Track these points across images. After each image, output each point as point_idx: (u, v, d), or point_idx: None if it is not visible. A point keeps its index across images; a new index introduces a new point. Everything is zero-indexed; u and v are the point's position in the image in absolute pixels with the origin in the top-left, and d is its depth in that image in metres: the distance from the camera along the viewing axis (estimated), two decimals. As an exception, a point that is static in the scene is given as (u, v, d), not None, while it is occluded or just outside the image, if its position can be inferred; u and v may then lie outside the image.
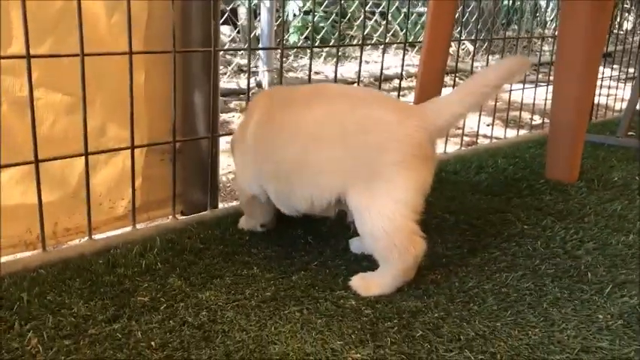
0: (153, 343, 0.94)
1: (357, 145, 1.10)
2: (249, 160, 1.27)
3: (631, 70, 3.65)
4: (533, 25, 4.90)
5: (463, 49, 5.13)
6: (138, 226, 1.41)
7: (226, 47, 3.84)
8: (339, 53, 1.72)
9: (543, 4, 5.62)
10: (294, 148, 1.16)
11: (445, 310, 1.08)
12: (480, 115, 2.36)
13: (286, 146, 1.17)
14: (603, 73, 2.99)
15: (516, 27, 4.29)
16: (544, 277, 1.20)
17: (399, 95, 2.20)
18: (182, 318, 1.01)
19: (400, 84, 2.17)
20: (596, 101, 2.83)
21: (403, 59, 2.03)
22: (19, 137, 1.33)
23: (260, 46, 3.73)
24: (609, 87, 3.09)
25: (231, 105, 3.24)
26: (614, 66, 3.65)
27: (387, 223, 1.09)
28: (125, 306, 1.04)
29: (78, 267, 1.17)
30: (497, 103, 2.55)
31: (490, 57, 4.85)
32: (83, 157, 1.29)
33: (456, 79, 2.71)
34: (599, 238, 1.38)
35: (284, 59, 4.06)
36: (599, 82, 2.91)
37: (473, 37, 2.83)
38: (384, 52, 2.01)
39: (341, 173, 1.11)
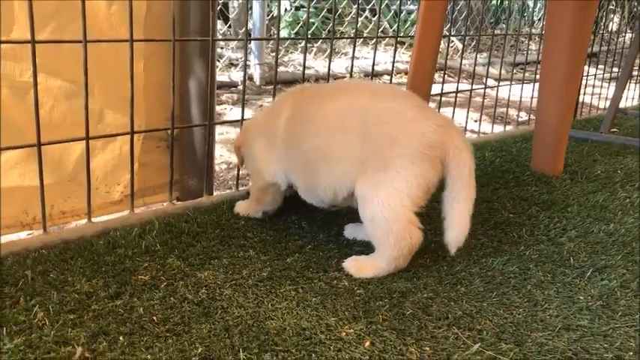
0: (155, 318, 0.98)
1: (373, 135, 1.15)
2: (278, 153, 1.31)
3: (615, 69, 3.72)
4: (521, 24, 4.96)
5: (452, 47, 5.19)
6: (135, 211, 1.44)
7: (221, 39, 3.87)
8: (330, 50, 1.76)
9: (531, 3, 5.69)
10: (319, 138, 1.21)
11: (434, 291, 1.13)
12: (467, 111, 2.41)
13: (313, 137, 1.22)
14: (588, 73, 3.06)
15: (504, 26, 4.35)
16: (528, 261, 1.25)
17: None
18: (182, 295, 1.05)
19: (391, 79, 2.21)
20: (580, 100, 2.89)
21: (394, 55, 2.08)
22: (18, 121, 1.36)
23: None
24: (594, 86, 3.16)
25: (223, 97, 3.27)
26: (600, 66, 3.72)
27: (387, 211, 1.14)
28: (126, 284, 1.08)
29: (79, 247, 1.20)
30: (485, 100, 2.60)
31: (478, 55, 4.90)
32: (81, 142, 1.32)
33: (445, 76, 2.77)
34: (582, 226, 1.44)
35: (274, 53, 4.09)
36: (584, 82, 2.97)
37: (462, 35, 2.88)
38: (376, 47, 2.05)
39: (357, 161, 1.17)
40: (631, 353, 0.95)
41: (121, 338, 0.92)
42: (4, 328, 0.92)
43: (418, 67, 1.96)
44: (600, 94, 3.29)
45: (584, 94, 2.97)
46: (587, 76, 3.03)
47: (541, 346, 0.96)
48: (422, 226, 1.16)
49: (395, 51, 2.11)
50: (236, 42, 4.02)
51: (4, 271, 1.09)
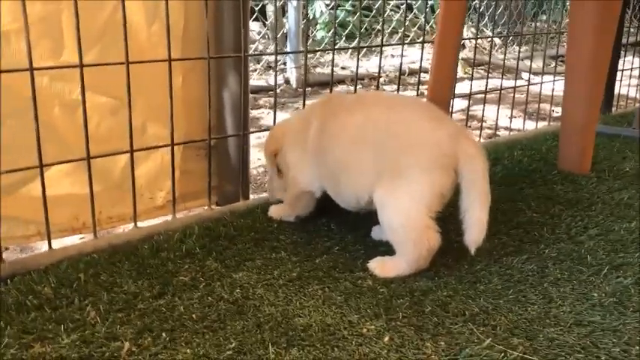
0: (194, 315, 1.08)
1: (388, 147, 1.24)
2: (309, 162, 1.41)
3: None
4: (563, 14, 4.90)
5: (490, 43, 5.17)
6: (177, 216, 1.55)
7: (256, 46, 4.00)
8: (365, 49, 1.83)
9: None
10: (341, 150, 1.31)
11: (454, 289, 1.19)
12: (498, 107, 2.45)
13: (335, 149, 1.32)
14: (632, 63, 3.02)
15: (545, 17, 4.32)
16: (547, 260, 1.31)
17: (417, 88, 2.30)
18: (219, 295, 1.15)
19: (419, 77, 2.27)
20: (624, 92, 2.85)
21: (422, 55, 2.13)
22: (68, 135, 1.49)
23: (287, 42, 3.88)
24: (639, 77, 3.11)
25: (260, 102, 3.38)
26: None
27: (404, 218, 1.22)
28: (169, 285, 1.18)
29: (126, 252, 1.32)
30: (520, 95, 2.61)
31: (517, 48, 4.87)
32: (125, 154, 1.44)
33: (474, 72, 2.79)
34: (603, 225, 1.47)
35: (312, 55, 4.19)
36: (627, 73, 2.94)
37: (490, 34, 2.91)
38: (402, 49, 2.11)
39: (375, 172, 1.26)
40: (637, 347, 1.00)
41: (163, 334, 1.02)
42: (62, 326, 1.03)
43: (439, 67, 2.00)
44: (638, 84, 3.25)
45: (629, 85, 2.93)
46: (632, 67, 2.98)
47: (551, 340, 1.02)
48: (439, 229, 1.23)
49: (422, 47, 2.14)
50: (273, 45, 4.12)
51: (61, 275, 1.21)
